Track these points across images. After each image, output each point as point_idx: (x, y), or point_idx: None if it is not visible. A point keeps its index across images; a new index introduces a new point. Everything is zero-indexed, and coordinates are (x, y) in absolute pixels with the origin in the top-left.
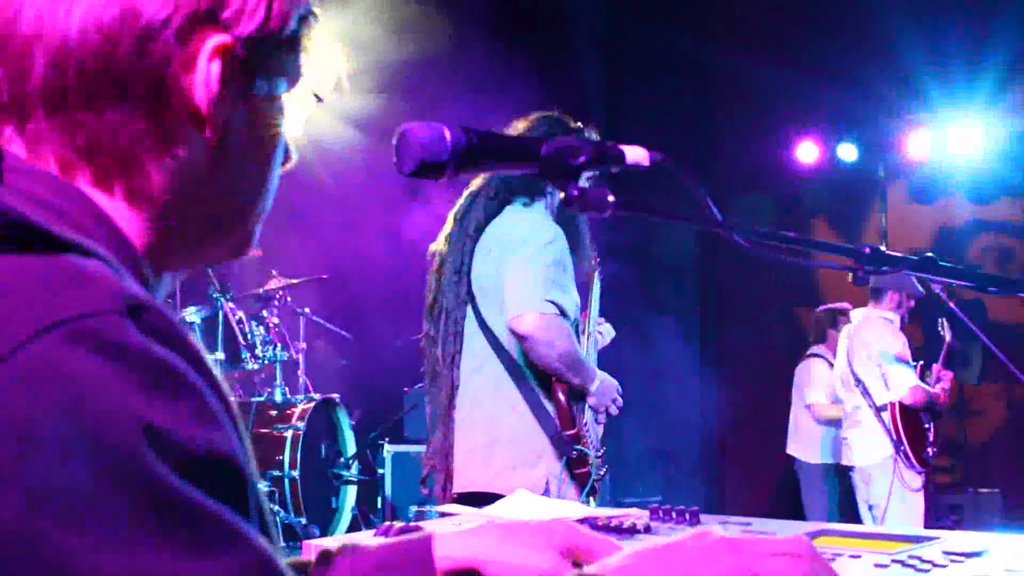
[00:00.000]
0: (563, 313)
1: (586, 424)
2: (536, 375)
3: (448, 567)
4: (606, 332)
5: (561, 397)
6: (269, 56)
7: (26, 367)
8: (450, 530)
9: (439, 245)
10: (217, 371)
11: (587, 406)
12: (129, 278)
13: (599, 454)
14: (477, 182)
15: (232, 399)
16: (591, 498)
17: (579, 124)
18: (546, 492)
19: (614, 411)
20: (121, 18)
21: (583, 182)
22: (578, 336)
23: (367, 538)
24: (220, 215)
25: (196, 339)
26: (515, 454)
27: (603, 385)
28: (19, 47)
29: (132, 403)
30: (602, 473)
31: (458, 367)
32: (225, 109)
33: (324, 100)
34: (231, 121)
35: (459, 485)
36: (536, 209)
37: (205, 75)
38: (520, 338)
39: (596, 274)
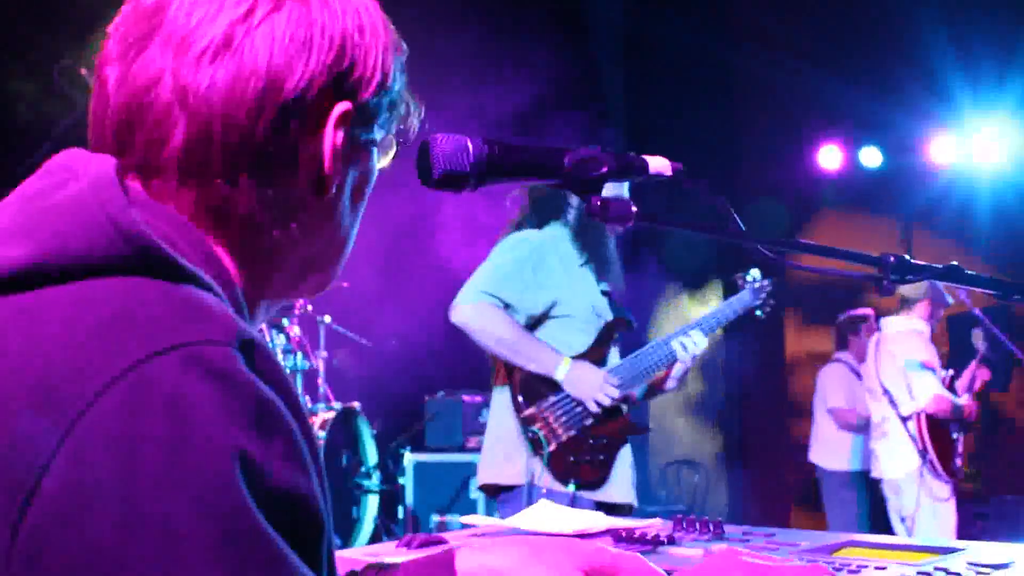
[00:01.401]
0: (508, 307)
1: (552, 407)
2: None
3: None
4: (689, 346)
5: (513, 383)
6: (378, 113)
7: (138, 386)
8: (473, 542)
9: None
10: (308, 415)
11: (564, 391)
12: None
13: (588, 440)
14: (513, 220)
15: (320, 447)
16: (570, 480)
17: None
18: (529, 479)
19: (604, 400)
20: (264, 92)
21: (610, 191)
22: (610, 336)
23: (389, 549)
24: (321, 258)
25: (293, 383)
26: (506, 448)
27: (575, 373)
28: (159, 113)
29: (232, 431)
30: (587, 459)
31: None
32: (342, 170)
33: (408, 142)
34: (344, 178)
35: (479, 479)
36: (545, 228)
37: (332, 143)
38: (460, 330)
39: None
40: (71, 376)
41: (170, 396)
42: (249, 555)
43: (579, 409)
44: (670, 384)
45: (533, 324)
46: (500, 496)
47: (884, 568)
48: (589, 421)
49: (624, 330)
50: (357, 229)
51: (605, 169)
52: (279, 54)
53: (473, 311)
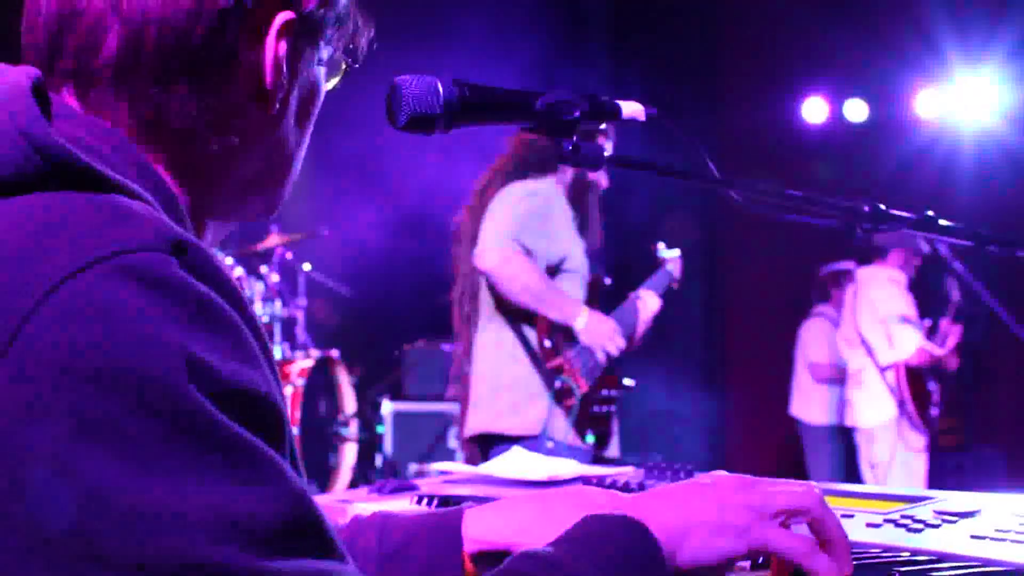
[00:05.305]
0: (530, 254)
1: (575, 357)
2: (526, 318)
3: (482, 549)
4: (649, 302)
5: (540, 331)
6: (323, 27)
7: (73, 299)
8: (444, 490)
9: (463, 218)
10: (256, 313)
11: (580, 343)
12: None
13: (600, 392)
14: (499, 160)
15: (269, 342)
16: (588, 432)
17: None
18: (544, 429)
19: (613, 351)
20: None
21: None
22: (593, 293)
23: (361, 495)
24: (265, 177)
25: (238, 281)
26: (515, 397)
27: (593, 323)
28: (92, 18)
29: (174, 336)
30: (602, 412)
31: (474, 325)
32: (286, 84)
33: (357, 63)
34: (288, 93)
35: (468, 430)
36: (541, 181)
37: (273, 53)
38: (484, 276)
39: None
40: (0, 297)
41: (105, 306)
42: (207, 449)
43: (592, 361)
44: (636, 342)
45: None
46: (497, 448)
47: (851, 516)
48: (598, 373)
49: (601, 288)
50: (303, 151)
51: (577, 112)
52: None
53: (501, 257)
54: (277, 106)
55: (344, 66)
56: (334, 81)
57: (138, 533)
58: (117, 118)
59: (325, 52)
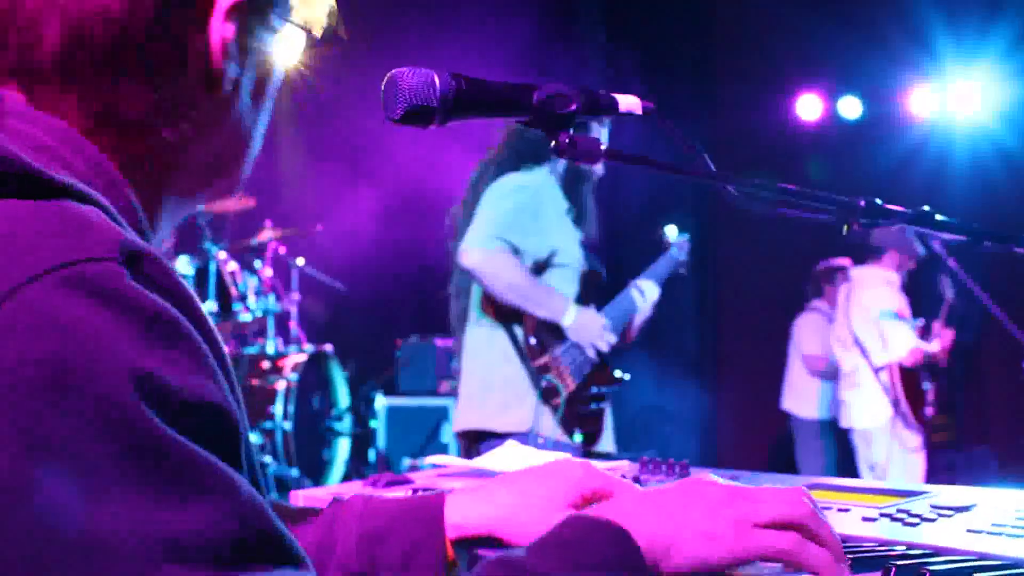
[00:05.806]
0: (517, 251)
1: (562, 355)
2: (516, 316)
3: (466, 535)
4: (648, 294)
5: (527, 329)
6: (272, 3)
7: (20, 312)
8: (438, 483)
9: (456, 210)
10: (212, 322)
11: (569, 341)
12: (127, 227)
13: (590, 389)
14: (492, 151)
15: (227, 351)
16: (576, 430)
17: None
18: (532, 427)
19: (603, 346)
20: None
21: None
22: (588, 287)
23: (356, 489)
24: (223, 159)
25: (191, 289)
26: (503, 395)
27: (581, 319)
28: (30, 13)
29: (125, 351)
30: (592, 409)
31: (467, 322)
32: (237, 65)
33: (316, 35)
34: (241, 74)
35: (457, 425)
36: (534, 172)
37: (220, 36)
38: (469, 274)
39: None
40: None
41: (53, 319)
42: (158, 467)
43: (582, 358)
44: (633, 335)
45: (536, 271)
46: (487, 443)
47: (847, 510)
48: (587, 370)
49: (596, 282)
50: (263, 129)
51: (574, 106)
52: None
53: (485, 255)
54: (229, 88)
55: (302, 38)
56: (292, 54)
57: (89, 560)
58: (66, 113)
59: (277, 26)
